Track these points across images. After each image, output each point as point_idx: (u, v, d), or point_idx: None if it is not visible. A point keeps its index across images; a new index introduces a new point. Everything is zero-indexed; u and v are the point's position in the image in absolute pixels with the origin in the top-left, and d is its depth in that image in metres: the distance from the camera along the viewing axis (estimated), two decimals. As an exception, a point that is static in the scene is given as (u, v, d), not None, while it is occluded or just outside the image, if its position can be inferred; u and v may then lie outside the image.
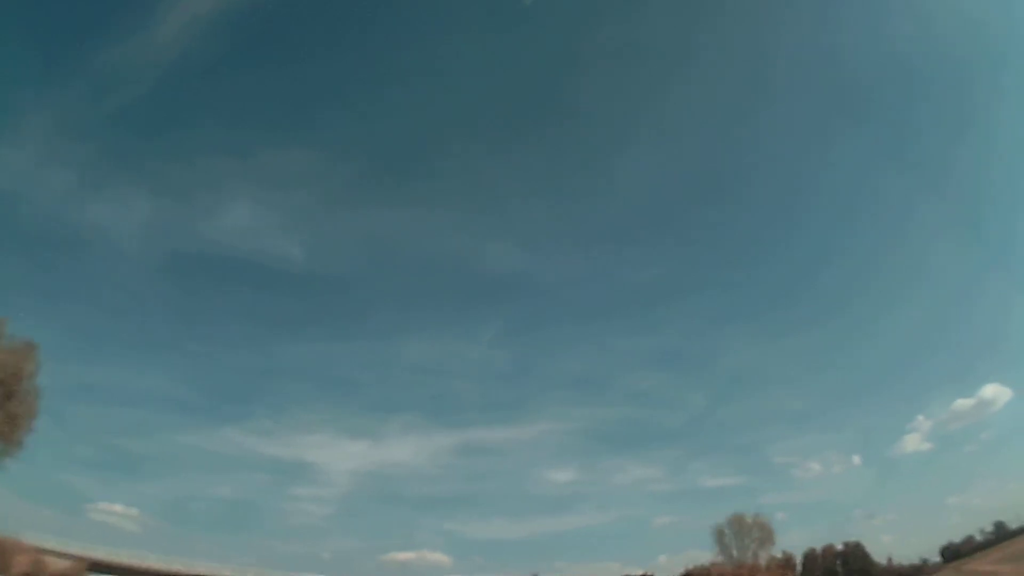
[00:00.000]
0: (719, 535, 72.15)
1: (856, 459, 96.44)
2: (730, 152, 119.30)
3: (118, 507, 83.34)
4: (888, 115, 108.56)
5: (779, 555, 71.21)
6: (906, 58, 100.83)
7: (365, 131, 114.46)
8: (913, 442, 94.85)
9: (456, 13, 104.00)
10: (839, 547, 75.91)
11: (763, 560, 69.75)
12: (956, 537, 77.26)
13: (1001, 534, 72.25)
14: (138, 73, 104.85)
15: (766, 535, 71.20)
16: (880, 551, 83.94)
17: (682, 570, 75.74)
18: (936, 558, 76.59)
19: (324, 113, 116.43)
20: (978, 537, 75.06)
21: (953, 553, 73.30)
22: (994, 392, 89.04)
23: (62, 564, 49.89)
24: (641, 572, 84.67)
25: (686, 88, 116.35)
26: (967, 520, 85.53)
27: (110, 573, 55.12)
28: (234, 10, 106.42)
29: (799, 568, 73.74)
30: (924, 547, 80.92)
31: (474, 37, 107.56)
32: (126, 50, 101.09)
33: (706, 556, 69.90)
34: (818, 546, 75.44)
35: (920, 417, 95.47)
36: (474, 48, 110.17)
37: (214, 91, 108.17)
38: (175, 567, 59.55)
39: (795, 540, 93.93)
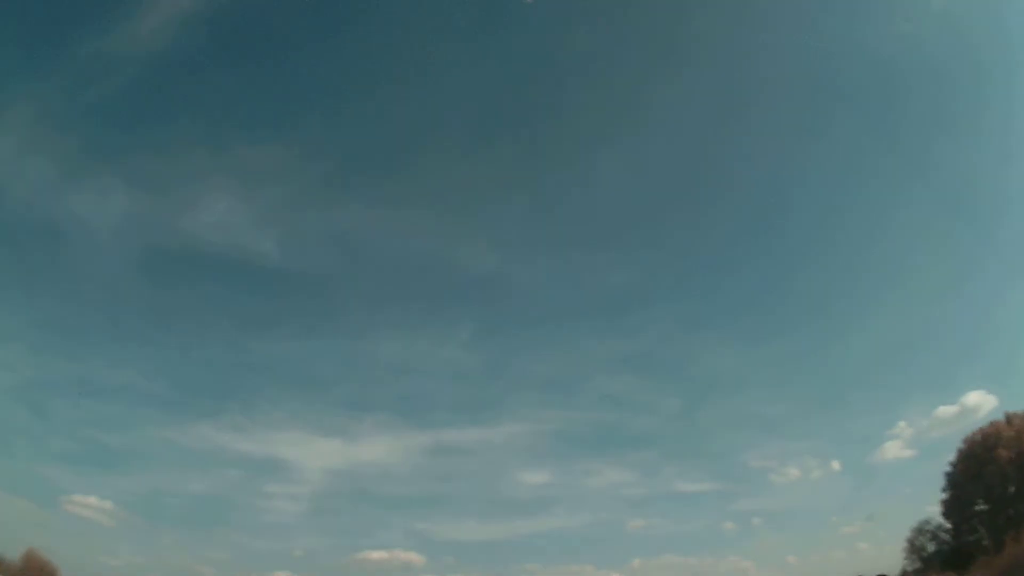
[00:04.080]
0: None
1: (835, 464, 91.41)
2: (708, 155, 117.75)
3: (93, 500, 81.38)
4: (869, 115, 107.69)
5: None
6: (887, 56, 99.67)
7: (342, 129, 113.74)
8: (894, 449, 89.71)
9: (440, 12, 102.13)
10: None
11: None
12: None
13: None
14: (120, 66, 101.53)
15: None
16: (856, 559, 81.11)
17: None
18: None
19: (302, 110, 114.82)
20: None
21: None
22: (978, 399, 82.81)
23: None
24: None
25: (667, 89, 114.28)
26: None
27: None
28: (217, 6, 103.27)
29: None
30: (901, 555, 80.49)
31: (455, 36, 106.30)
32: (109, 43, 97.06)
33: (683, 561, 66.95)
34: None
35: (902, 423, 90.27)
36: (454, 47, 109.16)
37: (194, 86, 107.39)
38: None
39: (770, 546, 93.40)
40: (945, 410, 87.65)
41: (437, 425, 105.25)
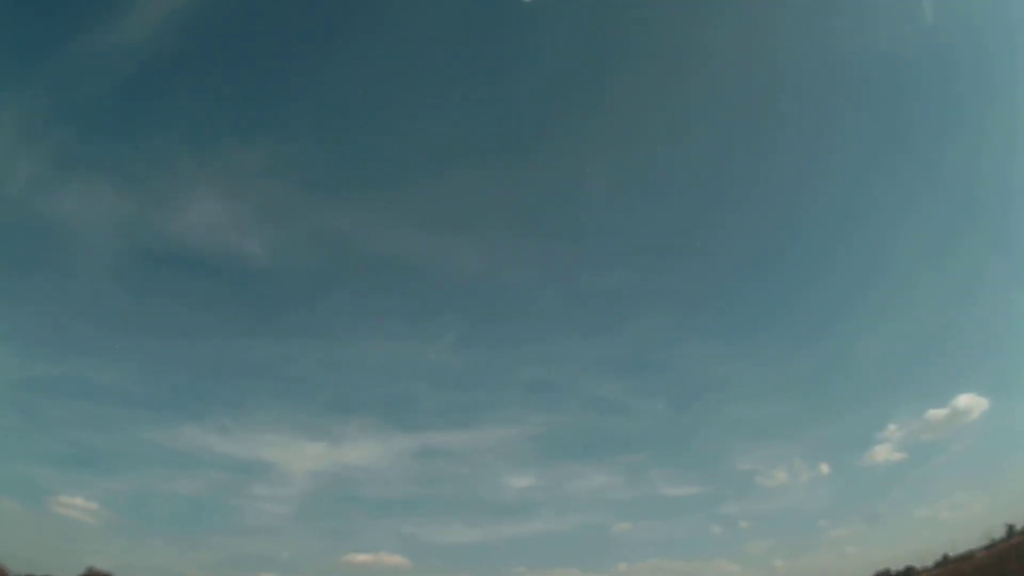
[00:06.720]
0: None
1: (824, 467, 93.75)
2: (702, 159, 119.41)
3: (79, 500, 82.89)
4: (880, 117, 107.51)
5: None
6: (897, 55, 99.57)
7: (330, 131, 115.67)
8: (884, 452, 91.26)
9: (435, 12, 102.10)
10: None
11: None
12: (926, 550, 75.43)
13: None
14: (108, 66, 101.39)
15: None
16: (844, 563, 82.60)
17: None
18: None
19: (291, 112, 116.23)
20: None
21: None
22: (969, 402, 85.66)
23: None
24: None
25: (663, 91, 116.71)
26: (935, 534, 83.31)
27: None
28: (207, 7, 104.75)
29: None
30: (889, 560, 79.28)
31: (450, 37, 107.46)
32: (98, 42, 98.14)
33: (669, 565, 66.56)
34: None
35: (892, 426, 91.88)
36: (448, 48, 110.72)
37: (183, 87, 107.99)
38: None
39: (758, 549, 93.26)
40: (935, 413, 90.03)
41: (423, 428, 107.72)
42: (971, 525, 74.45)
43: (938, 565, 69.91)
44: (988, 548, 65.39)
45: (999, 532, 70.10)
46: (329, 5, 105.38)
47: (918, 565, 73.54)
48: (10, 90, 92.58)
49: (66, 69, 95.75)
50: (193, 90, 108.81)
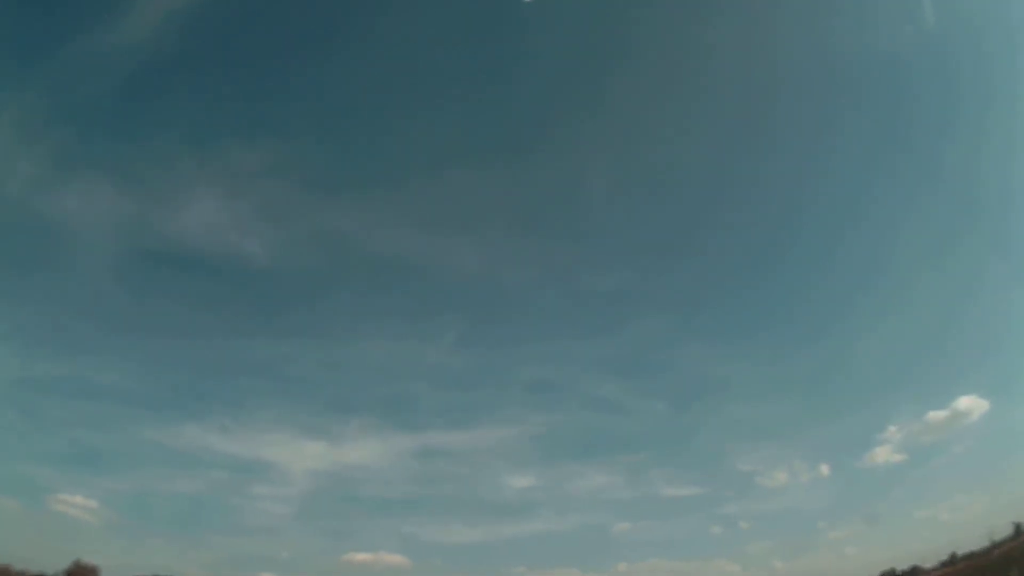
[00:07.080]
0: None
1: (824, 469, 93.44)
2: (702, 162, 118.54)
3: (78, 499, 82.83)
4: (880, 117, 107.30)
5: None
6: (897, 56, 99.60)
7: (331, 131, 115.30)
8: (884, 453, 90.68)
9: (435, 13, 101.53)
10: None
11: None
12: (926, 551, 75.33)
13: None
14: (108, 66, 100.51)
15: None
16: (843, 563, 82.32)
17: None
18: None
19: (291, 113, 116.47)
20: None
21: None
22: (969, 404, 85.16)
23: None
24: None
25: (669, 94, 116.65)
26: (935, 535, 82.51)
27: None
28: (207, 8, 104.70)
29: None
30: (889, 561, 79.05)
31: (450, 37, 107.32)
32: (98, 42, 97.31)
33: (669, 565, 66.79)
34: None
35: (892, 428, 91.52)
36: (448, 49, 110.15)
37: (183, 87, 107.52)
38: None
39: (757, 550, 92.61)
40: (936, 415, 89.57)
41: (423, 428, 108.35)
42: (971, 526, 74.20)
43: (944, 565, 69.60)
44: (995, 547, 65.18)
45: (1002, 532, 69.96)
46: (329, 5, 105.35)
47: (922, 565, 73.37)
48: (10, 90, 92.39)
49: (66, 69, 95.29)
50: (193, 90, 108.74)
